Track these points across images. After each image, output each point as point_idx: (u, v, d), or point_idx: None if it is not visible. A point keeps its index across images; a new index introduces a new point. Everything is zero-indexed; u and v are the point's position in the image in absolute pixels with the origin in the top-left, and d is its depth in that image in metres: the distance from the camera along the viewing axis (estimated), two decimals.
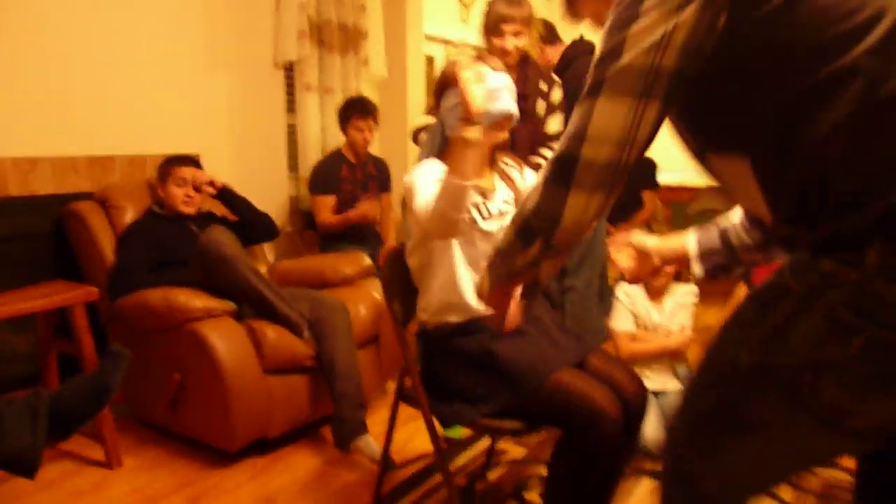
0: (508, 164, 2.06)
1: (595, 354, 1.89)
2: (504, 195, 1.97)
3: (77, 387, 1.69)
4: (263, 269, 3.17)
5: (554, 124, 2.79)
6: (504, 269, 1.21)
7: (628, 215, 4.27)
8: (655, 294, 2.81)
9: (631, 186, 4.30)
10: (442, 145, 1.92)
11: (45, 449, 1.65)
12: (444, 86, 1.89)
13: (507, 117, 1.85)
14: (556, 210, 1.04)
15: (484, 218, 1.89)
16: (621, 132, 0.97)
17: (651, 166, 4.33)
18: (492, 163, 2.00)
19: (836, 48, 0.88)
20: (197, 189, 2.93)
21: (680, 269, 2.81)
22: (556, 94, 2.79)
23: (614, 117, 0.97)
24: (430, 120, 2.72)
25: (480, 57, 1.89)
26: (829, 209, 0.90)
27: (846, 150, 0.88)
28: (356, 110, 3.58)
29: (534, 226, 1.09)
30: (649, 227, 4.25)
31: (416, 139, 2.75)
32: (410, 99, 4.50)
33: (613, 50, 0.96)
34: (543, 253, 1.11)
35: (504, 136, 1.91)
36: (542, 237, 1.08)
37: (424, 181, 1.80)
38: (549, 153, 2.77)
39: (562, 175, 1.03)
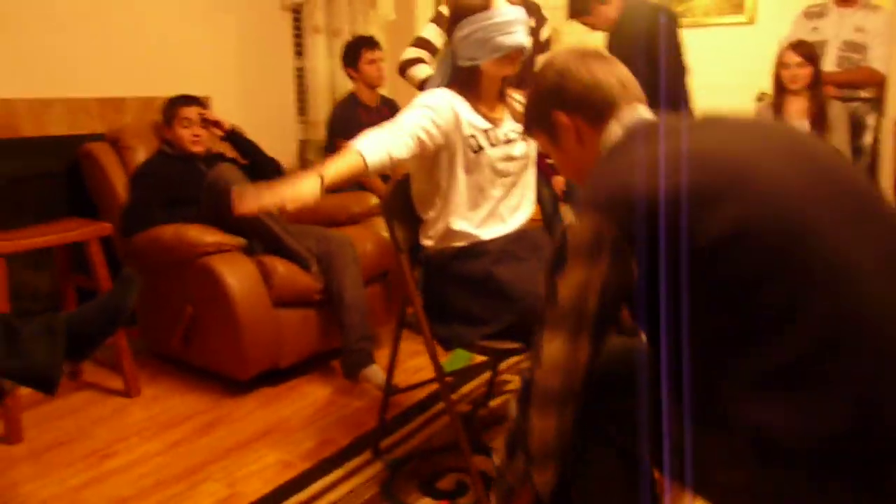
0: (516, 98, 2.08)
1: None
2: (511, 126, 2.00)
3: (92, 309, 1.77)
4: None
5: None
6: (503, 487, 1.32)
7: None
8: None
9: None
10: (453, 75, 1.94)
11: (65, 375, 1.74)
12: (457, 15, 1.87)
13: (519, 50, 1.86)
14: (525, 424, 1.20)
15: (492, 145, 1.92)
16: (564, 363, 1.13)
17: None
18: (501, 95, 2.01)
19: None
20: (204, 127, 2.97)
21: None
22: (545, 32, 2.76)
23: (557, 350, 1.13)
24: (420, 54, 2.72)
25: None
26: None
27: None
28: (363, 44, 3.56)
29: (515, 440, 1.25)
30: None
31: (402, 72, 2.72)
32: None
33: (550, 293, 1.14)
34: (528, 465, 1.23)
35: (514, 69, 1.90)
36: (522, 449, 1.23)
37: (408, 112, 1.83)
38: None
39: (524, 394, 1.20)
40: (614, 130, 1.25)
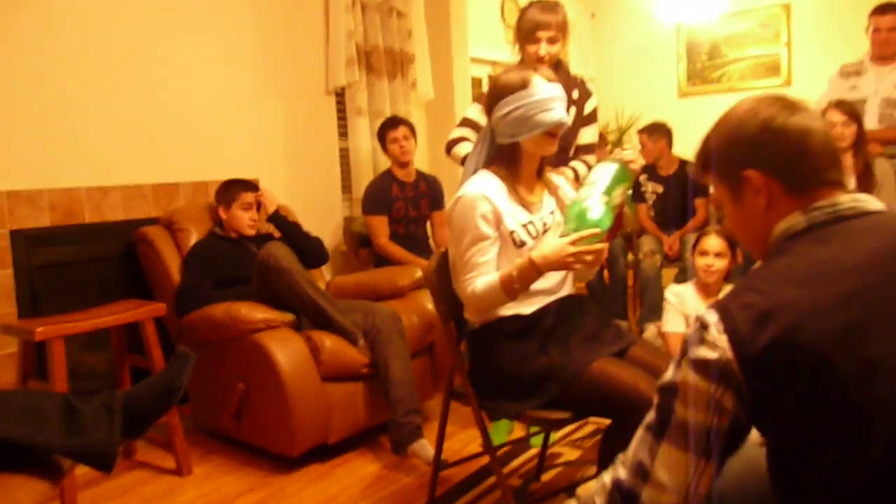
0: (555, 173, 2.12)
1: (639, 345, 1.93)
2: (550, 206, 2.02)
3: (147, 387, 1.82)
4: (322, 284, 3.29)
5: (587, 135, 2.80)
6: None
7: (681, 223, 4.27)
8: (707, 293, 2.81)
9: (683, 195, 4.30)
10: (493, 153, 1.98)
11: (120, 454, 1.77)
12: (497, 94, 1.91)
13: (559, 126, 1.89)
14: None
15: (533, 238, 1.94)
16: (683, 483, 1.05)
17: None
18: (539, 173, 2.04)
19: None
20: (257, 210, 3.08)
21: (731, 267, 2.81)
22: (590, 104, 2.80)
23: (675, 468, 1.05)
24: (465, 133, 2.79)
25: (532, 66, 1.93)
26: None
27: None
28: (386, 125, 3.69)
29: None
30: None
31: (448, 151, 2.79)
32: (458, 120, 4.61)
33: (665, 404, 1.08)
34: None
35: (554, 147, 1.94)
36: None
37: (470, 249, 1.89)
38: (579, 165, 2.77)
39: None
40: (796, 219, 1.11)
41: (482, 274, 1.88)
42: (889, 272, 1.01)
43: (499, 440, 2.72)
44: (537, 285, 1.92)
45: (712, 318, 1.03)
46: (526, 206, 1.95)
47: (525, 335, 1.91)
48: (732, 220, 1.23)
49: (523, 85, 1.86)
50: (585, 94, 2.82)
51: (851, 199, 1.10)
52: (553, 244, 1.78)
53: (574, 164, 2.77)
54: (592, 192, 1.82)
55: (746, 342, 0.99)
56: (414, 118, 4.20)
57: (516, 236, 1.91)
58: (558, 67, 2.80)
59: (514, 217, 1.91)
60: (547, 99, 1.85)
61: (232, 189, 3.05)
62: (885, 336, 0.96)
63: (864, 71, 3.68)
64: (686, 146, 4.57)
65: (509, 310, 1.93)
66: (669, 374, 1.08)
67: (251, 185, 3.09)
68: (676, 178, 4.36)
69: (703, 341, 1.03)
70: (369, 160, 4.13)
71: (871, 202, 1.11)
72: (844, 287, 0.99)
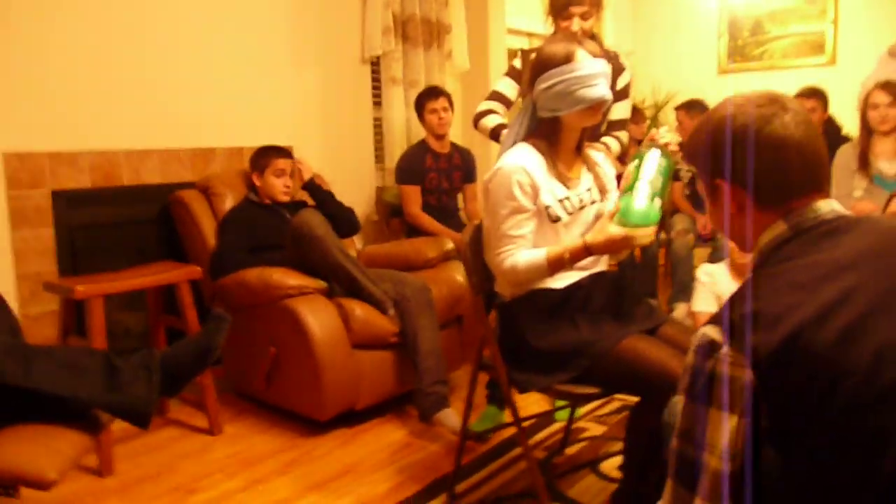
0: (593, 148, 2.11)
1: (669, 324, 1.93)
2: (587, 183, 2.01)
3: (184, 347, 1.87)
4: (353, 252, 3.32)
5: (619, 111, 2.77)
6: None
7: None
8: (740, 273, 2.79)
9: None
10: (533, 127, 1.96)
11: (155, 410, 1.82)
12: (540, 67, 1.90)
13: (601, 103, 1.88)
14: None
15: (568, 213, 1.93)
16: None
17: None
18: (579, 148, 2.03)
19: None
20: (291, 177, 3.10)
21: None
22: (623, 79, 2.77)
23: None
24: (493, 106, 2.77)
25: (577, 40, 1.90)
26: None
27: None
28: (426, 95, 3.69)
29: None
30: None
31: (476, 123, 2.77)
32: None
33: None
34: None
35: (596, 120, 1.93)
36: None
37: (506, 221, 1.88)
38: (611, 141, 2.73)
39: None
40: (780, 229, 1.12)
41: (522, 247, 1.88)
42: (882, 266, 1.02)
43: (482, 427, 2.64)
44: None
45: (717, 334, 1.03)
46: (564, 181, 1.94)
47: (556, 310, 1.91)
48: (711, 216, 1.24)
49: (567, 59, 1.85)
50: (618, 70, 2.78)
51: (827, 203, 1.12)
52: (606, 232, 1.80)
53: (606, 139, 2.74)
54: (639, 186, 1.82)
55: (759, 352, 0.98)
56: (449, 89, 4.18)
57: (552, 211, 1.90)
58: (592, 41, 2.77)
59: (552, 191, 1.91)
60: (590, 75, 1.83)
61: (264, 156, 3.07)
62: (891, 325, 0.97)
63: None
64: None
65: (541, 284, 1.94)
66: (683, 417, 1.06)
67: (284, 152, 3.11)
68: None
69: (714, 360, 1.02)
70: (403, 130, 4.13)
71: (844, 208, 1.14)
72: (843, 285, 1.00)
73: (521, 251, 1.88)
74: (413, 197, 3.64)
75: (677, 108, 4.42)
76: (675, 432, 1.08)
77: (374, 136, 4.14)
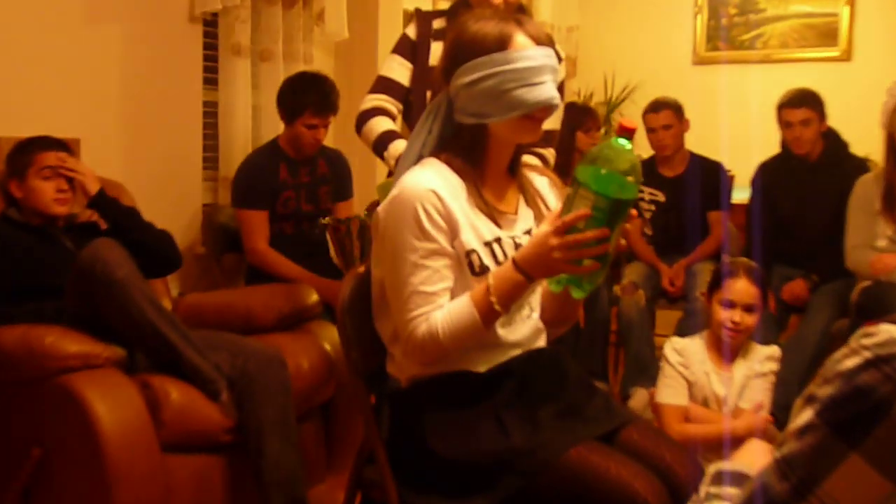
0: (531, 169, 2.16)
1: (636, 426, 1.98)
2: (526, 221, 2.05)
3: None
4: (167, 304, 3.24)
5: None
6: None
7: (687, 247, 4.40)
8: (720, 353, 2.91)
9: (693, 207, 4.41)
10: (447, 135, 1.99)
11: None
12: (465, 51, 1.92)
13: (547, 109, 1.91)
14: None
15: (498, 263, 1.95)
16: None
17: None
18: (512, 169, 2.07)
19: None
20: (70, 181, 3.00)
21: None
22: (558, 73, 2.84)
23: None
24: (382, 101, 2.81)
25: (515, 18, 1.94)
26: None
27: None
28: (313, 102, 3.66)
29: None
30: None
31: (359, 128, 2.80)
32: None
33: None
34: None
35: (536, 134, 1.96)
36: None
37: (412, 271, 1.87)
38: (530, 160, 2.78)
39: None
40: None
41: (439, 308, 1.87)
42: None
43: None
44: (498, 333, 1.95)
45: None
46: (493, 216, 1.97)
47: (475, 403, 1.93)
48: None
49: (501, 44, 1.88)
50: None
51: None
52: (533, 236, 1.81)
53: (525, 157, 2.80)
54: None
55: None
56: (319, 64, 4.20)
57: (476, 258, 1.91)
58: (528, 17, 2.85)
59: (475, 230, 1.92)
60: (533, 69, 1.88)
61: (25, 152, 2.98)
62: None
63: None
64: (700, 135, 4.73)
65: (456, 363, 1.95)
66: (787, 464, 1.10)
67: (53, 143, 3.02)
68: (685, 182, 4.47)
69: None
70: (247, 124, 4.12)
71: None
72: None
73: (440, 312, 1.87)
74: (258, 225, 3.61)
75: (647, 111, 4.53)
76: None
77: (203, 130, 4.10)
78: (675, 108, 4.46)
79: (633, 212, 1.80)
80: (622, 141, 1.78)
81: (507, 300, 1.85)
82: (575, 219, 1.73)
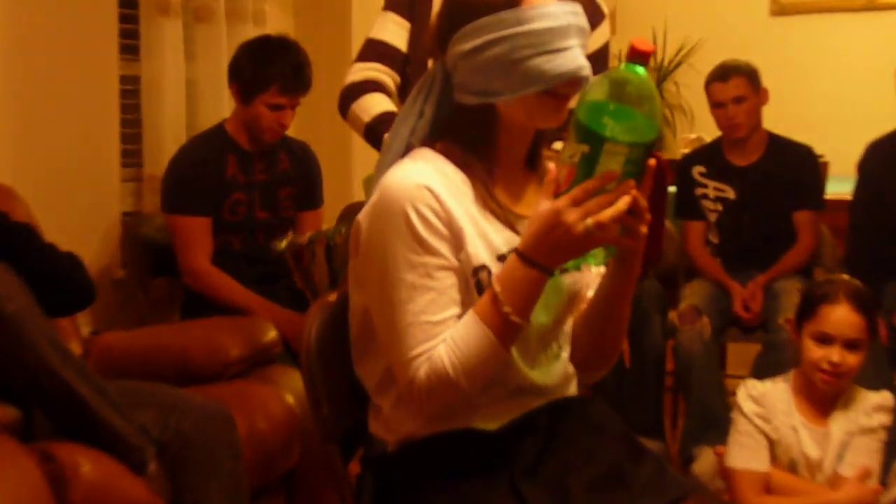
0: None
1: (699, 499, 1.99)
2: None
3: None
4: (75, 347, 3.24)
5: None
6: None
7: (768, 261, 4.38)
8: (811, 400, 2.90)
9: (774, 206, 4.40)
10: (443, 119, 2.00)
11: None
12: (465, 10, 1.93)
13: (576, 82, 1.92)
14: None
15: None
16: None
17: None
18: (531, 161, 2.09)
19: None
20: None
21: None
22: (598, 36, 2.83)
23: None
24: (375, 72, 2.82)
25: None
26: None
27: None
28: (282, 75, 3.68)
29: None
30: None
31: (344, 108, 2.81)
32: (356, 36, 4.64)
33: None
34: None
35: (561, 117, 1.96)
36: None
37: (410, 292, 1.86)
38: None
39: None
40: None
41: (443, 340, 1.84)
42: None
43: None
44: (517, 373, 1.96)
45: None
46: (508, 220, 1.97)
47: (485, 471, 1.93)
48: None
49: (511, 1, 1.90)
50: (597, 17, 2.89)
51: None
52: (536, 217, 1.79)
53: (556, 145, 2.82)
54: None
55: None
56: (276, 25, 4.22)
57: (486, 278, 1.89)
58: None
59: (485, 240, 1.92)
60: (555, 30, 1.88)
61: None
62: None
63: None
64: (782, 110, 4.73)
65: (459, 420, 1.96)
66: None
67: None
68: (763, 173, 4.48)
69: None
70: (180, 105, 4.13)
71: None
72: None
73: (445, 346, 1.84)
74: (198, 237, 3.62)
75: (709, 80, 4.54)
76: None
77: (121, 115, 4.12)
78: (750, 75, 4.44)
79: (652, 161, 1.79)
80: (638, 69, 1.78)
81: (525, 304, 1.82)
82: (602, 182, 1.72)
